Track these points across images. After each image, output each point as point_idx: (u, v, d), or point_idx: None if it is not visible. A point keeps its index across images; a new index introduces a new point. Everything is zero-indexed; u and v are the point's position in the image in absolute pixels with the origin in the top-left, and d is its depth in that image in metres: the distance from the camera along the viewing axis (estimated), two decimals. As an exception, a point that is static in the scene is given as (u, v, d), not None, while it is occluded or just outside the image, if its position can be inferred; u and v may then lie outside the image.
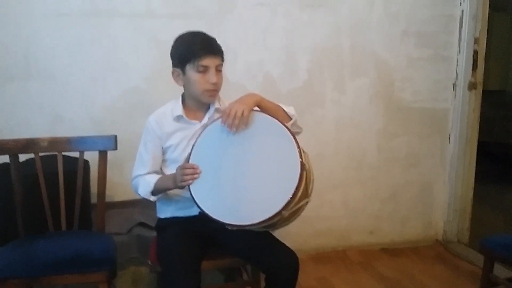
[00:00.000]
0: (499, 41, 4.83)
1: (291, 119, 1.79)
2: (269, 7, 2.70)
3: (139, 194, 1.82)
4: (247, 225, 1.54)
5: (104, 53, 2.51)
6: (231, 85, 2.53)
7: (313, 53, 2.81)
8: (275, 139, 1.60)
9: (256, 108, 1.70)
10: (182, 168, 1.67)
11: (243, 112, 1.62)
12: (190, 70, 1.73)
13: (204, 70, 1.72)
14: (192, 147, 1.70)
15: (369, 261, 2.89)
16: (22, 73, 2.43)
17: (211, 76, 1.72)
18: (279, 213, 1.50)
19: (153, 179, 1.78)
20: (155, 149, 1.81)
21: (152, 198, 1.80)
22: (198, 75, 1.73)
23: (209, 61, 1.71)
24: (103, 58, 2.51)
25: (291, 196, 1.49)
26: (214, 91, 1.76)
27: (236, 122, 1.62)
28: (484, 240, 2.08)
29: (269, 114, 1.67)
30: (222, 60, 1.78)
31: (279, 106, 1.80)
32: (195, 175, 1.64)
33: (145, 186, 1.78)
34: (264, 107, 1.73)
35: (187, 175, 1.64)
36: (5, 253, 1.75)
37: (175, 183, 1.70)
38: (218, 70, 1.75)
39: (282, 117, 1.75)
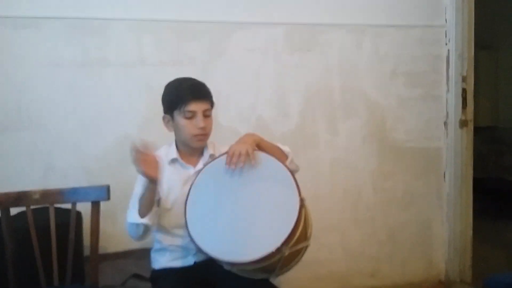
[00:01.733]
0: (486, 78, 4.93)
1: (287, 157, 1.79)
2: (259, 51, 2.74)
3: (131, 225, 1.70)
4: (247, 263, 1.50)
5: (96, 102, 2.51)
6: (224, 129, 2.53)
7: (304, 95, 2.83)
8: (274, 177, 1.61)
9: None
10: (134, 149, 1.58)
11: (247, 151, 1.62)
12: (178, 116, 1.75)
13: (192, 115, 1.73)
14: (191, 185, 1.69)
15: (371, 305, 2.81)
16: (14, 123, 2.42)
17: (199, 121, 1.73)
18: (279, 249, 1.47)
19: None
20: None
21: (142, 221, 1.66)
22: (185, 120, 1.74)
23: (196, 107, 1.73)
24: (96, 107, 2.52)
25: (291, 230, 1.47)
26: (203, 135, 1.77)
27: (242, 159, 1.61)
28: (487, 280, 2.03)
29: (267, 153, 1.68)
30: (211, 105, 1.79)
31: (276, 145, 1.80)
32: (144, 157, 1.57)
33: (131, 211, 1.70)
34: (263, 147, 1.74)
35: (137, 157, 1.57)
36: (-5, 312, 1.68)
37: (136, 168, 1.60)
38: (206, 115, 1.76)
39: (279, 155, 1.76)
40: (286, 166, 1.61)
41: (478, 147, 3.20)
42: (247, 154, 1.62)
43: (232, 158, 1.63)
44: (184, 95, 1.74)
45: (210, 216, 1.62)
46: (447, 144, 3.06)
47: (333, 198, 2.91)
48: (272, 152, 1.74)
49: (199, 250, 1.60)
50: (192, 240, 1.60)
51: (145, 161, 1.58)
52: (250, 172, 1.65)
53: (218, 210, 1.63)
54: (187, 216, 1.64)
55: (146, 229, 1.70)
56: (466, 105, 3.02)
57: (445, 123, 3.07)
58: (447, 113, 3.05)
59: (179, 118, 1.75)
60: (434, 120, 3.06)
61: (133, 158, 1.57)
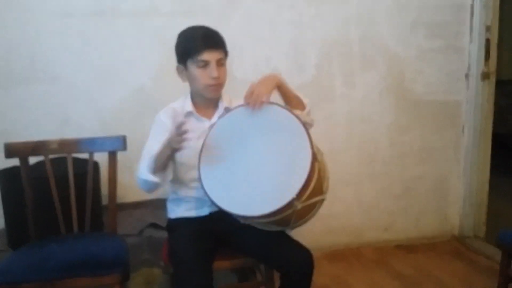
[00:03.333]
0: (511, 29, 4.74)
1: (305, 108, 1.77)
2: (275, 2, 2.66)
3: (140, 180, 1.69)
4: (260, 216, 1.51)
5: (109, 53, 2.50)
6: (238, 82, 2.48)
7: (321, 47, 2.77)
8: (288, 131, 1.58)
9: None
10: (177, 127, 1.56)
11: (266, 93, 1.62)
12: (191, 65, 1.72)
13: (205, 65, 1.70)
14: (205, 139, 1.69)
15: (384, 258, 2.84)
16: (29, 76, 2.43)
17: (212, 71, 1.70)
18: (291, 203, 1.47)
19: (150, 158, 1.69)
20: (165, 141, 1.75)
21: (154, 179, 1.66)
22: (199, 70, 1.71)
23: (209, 56, 1.69)
24: (109, 58, 2.50)
25: (302, 184, 1.47)
26: (217, 85, 1.74)
27: (259, 99, 1.60)
28: (501, 234, 2.02)
29: (286, 98, 1.71)
30: (225, 54, 1.76)
31: (295, 93, 1.78)
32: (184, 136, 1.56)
33: (143, 167, 1.68)
34: (283, 90, 1.72)
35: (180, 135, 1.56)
36: (17, 257, 1.74)
37: (170, 146, 1.60)
38: (220, 64, 1.73)
39: (297, 103, 1.75)
40: (300, 120, 1.58)
41: (498, 101, 3.12)
42: (266, 94, 1.61)
43: (250, 97, 1.62)
44: (197, 44, 1.70)
45: (223, 170, 1.62)
46: (467, 97, 3.00)
47: (348, 152, 2.90)
48: (290, 98, 1.73)
49: (212, 203, 1.61)
50: (206, 194, 1.61)
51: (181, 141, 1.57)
52: (264, 126, 1.63)
53: (232, 164, 1.63)
54: (201, 171, 1.64)
55: (157, 185, 1.71)
56: (489, 56, 2.93)
57: (467, 76, 2.99)
58: (469, 65, 2.97)
59: (192, 68, 1.72)
60: (455, 72, 2.98)
61: (173, 140, 1.56)
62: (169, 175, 1.72)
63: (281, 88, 1.72)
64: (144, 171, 1.67)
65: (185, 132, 1.55)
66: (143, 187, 1.72)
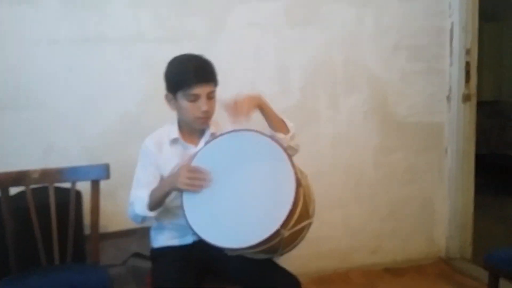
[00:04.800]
0: (490, 51, 4.85)
1: (289, 131, 1.77)
2: (259, 26, 2.69)
3: (137, 216, 1.72)
4: (247, 247, 1.49)
5: (95, 79, 2.48)
6: (222, 107, 2.51)
7: (305, 70, 2.79)
8: (270, 159, 1.58)
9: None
10: (190, 170, 1.59)
11: (248, 107, 1.64)
12: (181, 97, 1.72)
13: (195, 98, 1.70)
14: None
15: (372, 282, 2.83)
16: (13, 102, 2.40)
17: (202, 105, 1.70)
18: (277, 231, 1.46)
19: (147, 192, 1.70)
20: (155, 172, 1.77)
21: (151, 214, 1.70)
22: (188, 103, 1.71)
23: (200, 90, 1.69)
24: (95, 84, 2.48)
25: (288, 212, 1.45)
26: (206, 118, 1.74)
27: (244, 112, 1.62)
28: (487, 256, 2.03)
29: (269, 120, 1.72)
30: (215, 85, 1.76)
31: (278, 116, 1.78)
32: (204, 183, 1.59)
33: (140, 201, 1.70)
34: (266, 112, 1.74)
35: (196, 179, 1.58)
36: (-2, 290, 1.69)
37: (173, 184, 1.61)
38: (210, 97, 1.73)
39: (281, 127, 1.75)
40: (282, 146, 1.58)
41: (480, 122, 3.17)
42: (249, 108, 1.63)
43: (234, 112, 1.63)
44: (188, 78, 1.68)
45: (207, 200, 1.60)
46: (449, 119, 3.04)
47: (334, 174, 2.90)
48: (273, 120, 1.74)
49: (197, 237, 1.59)
50: (189, 226, 1.58)
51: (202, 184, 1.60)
52: (245, 155, 1.62)
53: (216, 194, 1.60)
54: (183, 203, 1.61)
55: (151, 219, 1.74)
56: (469, 79, 2.98)
57: (448, 98, 3.03)
58: (450, 87, 3.02)
59: (182, 100, 1.71)
60: (437, 94, 3.02)
61: (185, 181, 1.58)
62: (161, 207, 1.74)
63: (264, 109, 1.73)
64: (142, 208, 1.69)
65: (202, 175, 1.58)
66: (136, 221, 1.74)
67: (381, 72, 2.91)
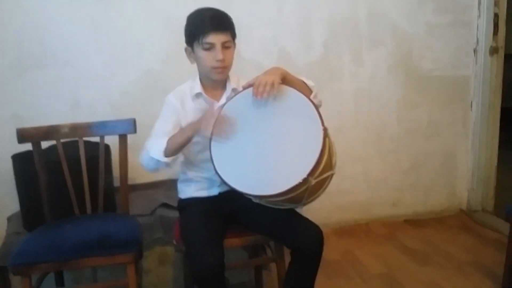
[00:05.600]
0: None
1: (311, 91, 1.77)
2: (281, -20, 2.64)
3: (151, 159, 1.70)
4: (276, 195, 1.52)
5: (118, 36, 2.50)
6: (245, 62, 2.51)
7: (328, 25, 2.76)
8: (297, 109, 1.59)
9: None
10: (217, 118, 1.60)
11: (273, 81, 1.59)
12: (197, 47, 1.72)
13: (210, 47, 1.70)
14: (217, 118, 1.67)
15: (393, 233, 2.88)
16: (39, 61, 2.44)
17: (217, 53, 1.70)
18: (306, 179, 1.49)
19: (165, 138, 1.69)
20: (175, 124, 1.77)
21: (165, 159, 1.68)
22: (204, 52, 1.71)
23: (214, 38, 1.69)
24: (118, 41, 2.50)
25: (316, 160, 1.48)
26: (222, 68, 1.74)
27: (267, 88, 1.58)
28: (509, 208, 2.03)
29: (290, 85, 1.66)
30: (233, 36, 1.76)
31: (301, 79, 1.77)
32: (231, 133, 1.61)
33: (157, 146, 1.69)
34: (288, 80, 1.70)
35: (223, 128, 1.60)
36: (34, 238, 1.78)
37: (197, 130, 1.63)
38: (226, 46, 1.72)
39: (304, 90, 1.74)
40: (309, 98, 1.59)
41: (507, 76, 3.10)
42: (273, 85, 1.60)
43: (258, 88, 1.60)
44: (203, 26, 1.69)
45: (235, 150, 1.63)
46: (475, 72, 2.98)
47: (357, 130, 2.91)
48: (296, 86, 1.71)
49: (224, 184, 1.63)
50: (218, 176, 1.61)
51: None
52: (274, 106, 1.63)
53: (243, 144, 1.63)
54: (212, 152, 1.64)
55: (165, 166, 1.72)
56: (497, 31, 2.91)
57: (475, 50, 2.97)
58: (477, 39, 2.95)
59: (198, 50, 1.72)
60: (463, 47, 2.96)
61: (209, 123, 1.59)
62: (179, 158, 1.75)
63: (286, 79, 1.70)
64: (157, 152, 1.68)
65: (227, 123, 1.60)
66: (149, 166, 1.73)
67: (406, 25, 2.86)
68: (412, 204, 3.07)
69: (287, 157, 1.56)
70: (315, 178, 1.53)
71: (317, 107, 1.57)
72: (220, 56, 1.70)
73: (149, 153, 1.70)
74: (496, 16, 2.88)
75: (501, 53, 2.95)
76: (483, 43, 2.93)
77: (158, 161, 1.69)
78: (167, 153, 1.68)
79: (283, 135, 1.60)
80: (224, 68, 1.75)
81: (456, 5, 2.90)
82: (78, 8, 2.44)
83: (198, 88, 1.81)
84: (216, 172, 1.61)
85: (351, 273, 2.44)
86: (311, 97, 1.72)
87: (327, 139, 1.54)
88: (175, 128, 1.75)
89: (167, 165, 1.71)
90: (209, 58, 1.71)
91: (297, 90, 1.63)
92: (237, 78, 1.86)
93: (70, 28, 2.44)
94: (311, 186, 1.54)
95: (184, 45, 1.79)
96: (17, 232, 2.12)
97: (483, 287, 2.26)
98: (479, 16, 2.92)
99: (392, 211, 3.04)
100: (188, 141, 1.69)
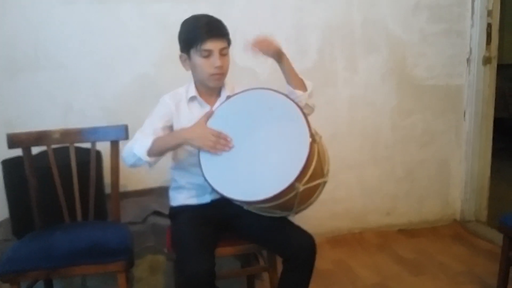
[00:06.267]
0: (512, 12, 4.69)
1: (306, 89, 1.77)
2: (276, -15, 2.64)
3: (132, 155, 1.65)
4: (263, 200, 1.52)
5: (112, 40, 2.49)
6: (240, 69, 2.49)
7: (323, 31, 2.76)
8: (284, 115, 1.59)
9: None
10: (214, 134, 1.61)
11: (272, 41, 1.69)
12: (194, 55, 1.72)
13: (208, 54, 1.70)
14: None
15: (387, 242, 2.87)
16: (32, 63, 2.42)
17: (215, 60, 1.70)
18: (292, 185, 1.48)
19: (151, 138, 1.66)
20: (167, 122, 1.76)
21: (147, 159, 1.64)
22: (202, 60, 1.71)
23: (212, 45, 1.69)
24: (112, 45, 2.49)
25: (303, 165, 1.48)
26: (220, 74, 1.74)
27: (265, 43, 1.68)
28: (502, 218, 2.03)
29: (288, 75, 1.73)
30: (228, 43, 1.76)
31: (296, 73, 1.78)
32: (226, 148, 1.61)
33: (141, 144, 1.65)
34: (285, 65, 1.74)
35: (219, 143, 1.60)
36: (23, 245, 1.75)
37: (190, 140, 1.62)
38: (223, 54, 1.72)
39: (299, 84, 1.75)
40: (297, 104, 1.59)
41: (500, 86, 3.11)
42: (271, 43, 1.68)
43: (257, 40, 1.67)
44: (200, 34, 1.69)
45: (223, 156, 1.62)
46: (469, 82, 2.99)
47: (351, 136, 2.91)
48: (292, 76, 1.74)
49: (213, 190, 1.62)
50: (206, 181, 1.61)
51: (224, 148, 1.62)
52: (262, 112, 1.64)
53: (232, 150, 1.63)
54: (200, 158, 1.64)
55: (146, 165, 1.69)
56: (490, 41, 2.92)
57: (468, 60, 2.98)
58: (471, 49, 2.96)
59: (196, 57, 1.72)
60: (457, 56, 2.97)
61: (209, 143, 1.60)
62: (159, 159, 1.72)
63: (283, 60, 1.73)
64: (140, 149, 1.64)
65: (220, 135, 1.61)
66: (128, 160, 1.69)
67: (400, 33, 2.86)
68: (406, 213, 3.07)
69: (275, 163, 1.56)
70: (303, 185, 1.52)
71: (304, 113, 1.57)
72: (218, 62, 1.70)
73: (132, 149, 1.66)
74: (489, 26, 2.90)
75: (494, 63, 2.96)
76: (476, 52, 2.94)
77: (139, 158, 1.65)
78: (151, 153, 1.65)
79: (271, 141, 1.60)
80: (222, 75, 1.75)
81: (450, 14, 2.91)
82: (72, 10, 2.42)
83: (193, 92, 1.81)
84: (204, 178, 1.61)
85: (344, 283, 2.42)
86: (306, 94, 1.73)
87: (315, 146, 1.55)
88: (164, 127, 1.74)
89: (149, 164, 1.68)
90: (207, 65, 1.71)
91: (286, 96, 1.63)
92: (232, 85, 1.85)
93: (63, 31, 2.43)
94: (299, 193, 1.53)
95: (178, 51, 1.78)
96: (6, 239, 2.09)
97: (477, 297, 2.26)
98: (472, 25, 2.94)
99: (386, 220, 3.03)
100: (177, 147, 1.70)
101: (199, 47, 1.69)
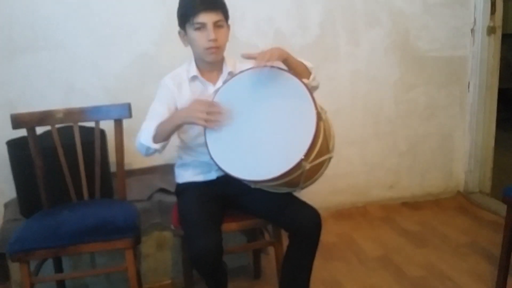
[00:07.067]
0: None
1: (311, 74, 1.76)
2: (277, -41, 2.60)
3: (141, 145, 1.68)
4: (270, 179, 1.52)
5: (111, 17, 2.46)
6: (241, 44, 2.47)
7: (324, 4, 2.72)
8: (290, 93, 1.58)
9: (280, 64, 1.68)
10: (206, 104, 1.59)
11: (274, 54, 1.61)
12: (189, 29, 1.71)
13: (202, 27, 1.69)
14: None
15: (390, 215, 2.89)
16: (31, 44, 2.40)
17: (209, 33, 1.68)
18: (299, 164, 1.48)
19: (155, 124, 1.68)
20: (171, 105, 1.76)
21: (154, 146, 1.66)
22: (196, 33, 1.70)
23: (205, 17, 1.67)
24: (111, 23, 2.46)
25: (309, 144, 1.48)
26: (215, 48, 1.72)
27: (267, 57, 1.58)
28: (506, 189, 2.02)
29: (292, 70, 1.67)
30: (225, 16, 1.74)
31: (301, 62, 1.76)
32: (220, 119, 1.60)
33: (146, 132, 1.67)
34: (289, 63, 1.70)
35: (212, 114, 1.58)
36: (31, 224, 1.78)
37: (187, 118, 1.61)
38: (218, 26, 1.70)
39: (304, 72, 1.73)
40: (302, 82, 1.58)
41: (504, 56, 3.08)
42: (275, 56, 1.60)
43: (260, 55, 1.59)
44: (193, 6, 1.68)
45: (230, 136, 1.62)
46: (473, 53, 2.96)
47: (353, 111, 2.90)
48: (296, 69, 1.71)
49: (220, 170, 1.62)
50: (213, 161, 1.61)
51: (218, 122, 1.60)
52: (268, 90, 1.62)
53: (238, 129, 1.63)
54: (207, 138, 1.64)
55: (156, 152, 1.71)
56: (495, 10, 2.88)
57: (472, 30, 2.94)
58: (475, 19, 2.92)
59: (191, 31, 1.71)
60: (461, 27, 2.94)
61: (201, 115, 1.57)
62: (169, 142, 1.73)
63: (288, 61, 1.70)
64: (146, 137, 1.67)
65: (218, 112, 1.58)
66: (140, 150, 1.72)
67: (403, 4, 2.82)
68: (409, 187, 3.08)
69: (281, 141, 1.56)
70: (309, 162, 1.52)
71: (310, 90, 1.56)
72: (212, 35, 1.68)
73: (140, 140, 1.69)
74: (493, -5, 2.86)
75: (499, 33, 2.93)
76: (481, 23, 2.90)
77: (148, 147, 1.68)
78: (156, 140, 1.67)
79: (278, 119, 1.59)
80: (217, 48, 1.73)
81: (453, -16, 2.87)
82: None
83: (194, 71, 1.79)
84: (211, 158, 1.61)
85: (348, 256, 2.45)
86: (310, 79, 1.72)
87: (321, 123, 1.53)
88: (169, 111, 1.74)
89: (157, 151, 1.70)
90: (202, 39, 1.70)
91: (291, 73, 1.62)
92: (233, 61, 1.84)
93: (61, 10, 2.40)
94: (306, 170, 1.53)
95: (178, 28, 1.77)
96: (15, 219, 2.11)
97: (480, 268, 2.28)
98: (476, -6, 2.90)
99: (389, 194, 3.05)
100: (177, 128, 1.69)
101: (193, 20, 1.68)
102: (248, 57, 1.65)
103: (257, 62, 1.60)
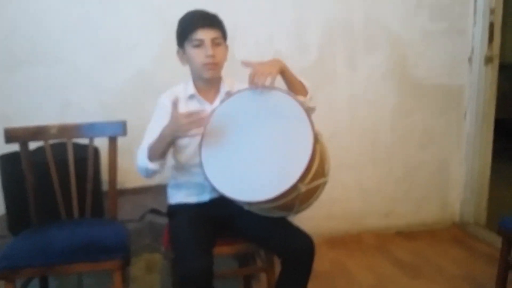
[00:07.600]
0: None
1: (307, 93, 1.76)
2: (278, -20, 2.62)
3: (140, 167, 1.69)
4: (265, 201, 1.50)
5: (110, 35, 2.47)
6: (240, 64, 2.47)
7: (323, 27, 2.74)
8: (288, 115, 1.57)
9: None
10: (185, 115, 1.58)
11: (270, 72, 1.62)
12: (188, 46, 1.73)
13: (200, 44, 1.70)
14: (207, 122, 1.67)
15: (385, 244, 2.86)
16: (29, 58, 2.40)
17: (207, 49, 1.69)
18: (295, 186, 1.46)
19: (148, 143, 1.68)
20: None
21: (151, 166, 1.66)
22: (194, 50, 1.71)
23: (203, 34, 1.69)
24: (111, 40, 2.47)
25: (306, 166, 1.46)
26: (213, 64, 1.72)
27: (262, 80, 1.60)
28: (501, 221, 2.01)
29: (289, 84, 1.69)
30: (222, 34, 1.75)
31: (299, 79, 1.76)
32: (202, 121, 1.59)
33: (141, 153, 1.68)
34: (287, 76, 1.71)
35: (194, 121, 1.56)
36: (19, 242, 1.74)
37: (175, 133, 1.61)
38: (216, 43, 1.72)
39: (300, 90, 1.74)
40: (300, 102, 1.57)
41: (501, 86, 3.09)
42: (270, 75, 1.60)
43: (254, 77, 1.60)
44: (192, 23, 1.71)
45: (225, 156, 1.61)
46: (470, 82, 2.97)
47: (350, 136, 2.89)
48: (294, 84, 1.72)
49: (215, 190, 1.60)
50: (208, 181, 1.59)
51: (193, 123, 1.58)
52: (265, 111, 1.61)
53: (234, 149, 1.61)
54: (202, 157, 1.63)
55: (155, 172, 1.70)
56: (492, 40, 2.89)
57: (470, 59, 2.96)
58: (472, 48, 2.94)
59: (189, 48, 1.72)
60: (458, 55, 2.96)
61: (185, 123, 1.56)
62: (167, 161, 1.73)
63: (285, 74, 1.71)
64: (143, 158, 1.67)
65: (192, 116, 1.56)
66: (142, 173, 1.72)
67: (401, 31, 2.85)
68: (405, 215, 3.05)
69: (278, 163, 1.54)
70: (305, 185, 1.50)
71: (308, 111, 1.55)
72: (210, 51, 1.69)
73: (137, 161, 1.69)
74: (491, 24, 2.88)
75: (496, 62, 2.94)
76: (478, 52, 2.92)
77: (146, 168, 1.68)
78: (152, 159, 1.67)
79: (274, 140, 1.58)
80: (215, 64, 1.74)
81: (451, 12, 2.89)
82: (70, 4, 2.40)
83: (191, 89, 1.80)
84: (206, 177, 1.59)
85: (341, 284, 2.41)
86: (307, 98, 1.72)
87: (317, 146, 1.52)
88: None
89: (157, 171, 1.69)
90: (200, 55, 1.71)
91: (289, 93, 1.61)
92: (231, 80, 1.84)
93: (61, 25, 2.40)
94: (301, 193, 1.51)
95: (177, 47, 1.77)
96: (2, 236, 2.07)
97: (474, 300, 2.25)
98: (474, 24, 2.92)
99: (384, 222, 3.02)
100: (169, 145, 1.68)
101: (191, 37, 1.70)
102: (247, 65, 1.66)
103: (253, 84, 1.61)
